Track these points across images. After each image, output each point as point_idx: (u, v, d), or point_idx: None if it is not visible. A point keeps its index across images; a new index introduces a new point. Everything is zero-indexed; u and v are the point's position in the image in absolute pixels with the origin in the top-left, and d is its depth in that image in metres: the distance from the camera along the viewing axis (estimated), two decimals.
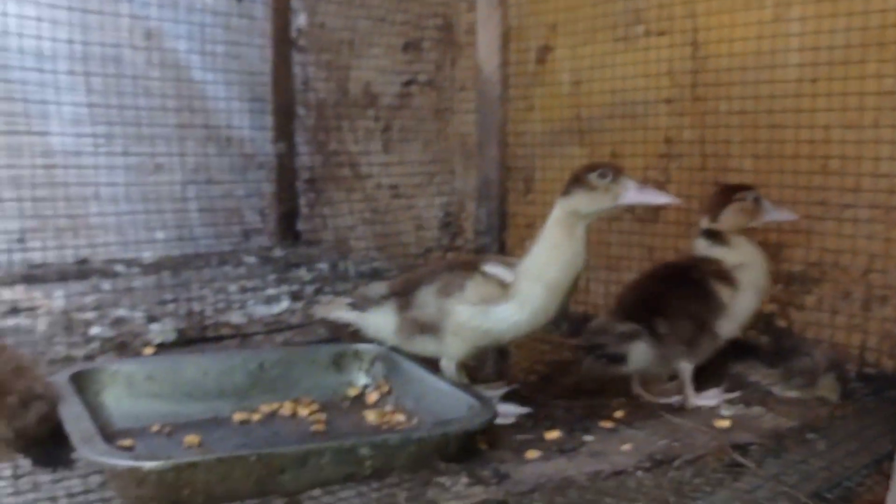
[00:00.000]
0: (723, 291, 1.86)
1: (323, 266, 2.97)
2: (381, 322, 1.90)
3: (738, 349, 2.03)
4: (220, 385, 1.76)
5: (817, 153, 2.02)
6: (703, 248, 1.92)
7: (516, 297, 1.76)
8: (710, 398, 1.85)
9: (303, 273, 2.88)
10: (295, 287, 2.72)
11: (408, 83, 2.98)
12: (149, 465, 1.22)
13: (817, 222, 2.05)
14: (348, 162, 3.16)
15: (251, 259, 2.97)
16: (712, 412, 1.79)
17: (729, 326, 1.87)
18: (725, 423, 1.70)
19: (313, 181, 3.18)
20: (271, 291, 2.67)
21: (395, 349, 1.89)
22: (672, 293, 1.85)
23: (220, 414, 1.73)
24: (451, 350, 1.83)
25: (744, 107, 2.15)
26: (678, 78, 2.30)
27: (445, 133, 2.94)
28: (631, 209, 2.42)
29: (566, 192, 1.72)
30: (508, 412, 1.79)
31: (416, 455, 1.46)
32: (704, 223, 1.92)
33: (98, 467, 1.35)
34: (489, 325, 1.78)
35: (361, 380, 1.91)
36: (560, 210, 1.73)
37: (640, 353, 1.79)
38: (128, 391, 1.68)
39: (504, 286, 1.78)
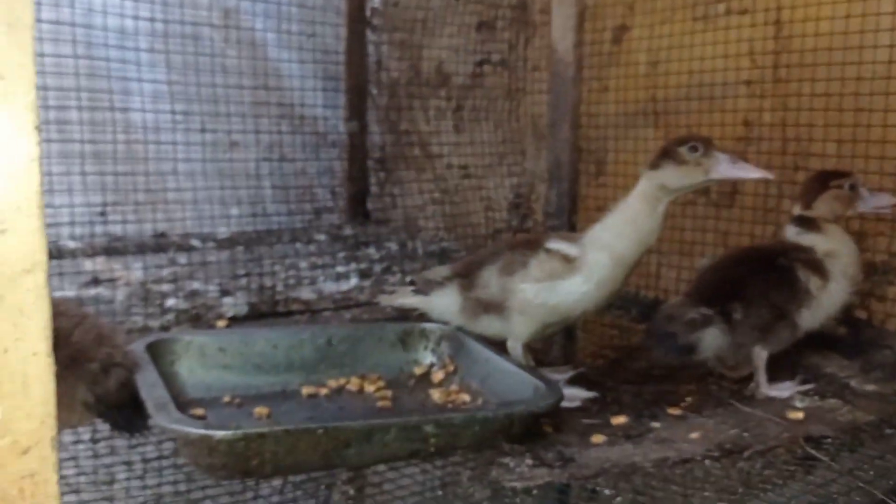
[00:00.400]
0: (811, 280, 1.80)
1: (392, 245, 2.99)
2: (444, 304, 1.91)
3: (815, 339, 1.96)
4: (288, 359, 1.79)
5: None
6: (793, 234, 1.86)
7: (582, 269, 1.75)
8: (783, 389, 1.79)
9: (372, 252, 2.91)
10: (364, 265, 2.75)
11: (480, 63, 2.96)
12: (220, 434, 1.25)
13: None
14: (419, 142, 3.16)
15: (322, 237, 3.00)
16: (785, 403, 1.74)
17: (813, 317, 1.81)
18: (799, 415, 1.65)
19: (384, 160, 3.20)
20: (341, 269, 2.70)
21: (461, 329, 1.89)
22: (752, 278, 1.79)
23: (289, 387, 1.76)
24: (518, 330, 1.83)
25: (828, 89, 2.07)
26: (759, 59, 2.22)
27: (517, 114, 2.91)
28: (707, 191, 2.37)
29: (654, 164, 1.69)
30: (575, 396, 1.78)
31: (480, 434, 1.46)
32: (797, 210, 1.86)
33: (171, 434, 1.39)
34: (556, 300, 1.77)
35: (427, 358, 1.91)
36: (647, 183, 1.70)
37: (711, 340, 1.74)
38: (200, 362, 1.72)
39: (569, 260, 1.77)
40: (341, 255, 2.86)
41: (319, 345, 1.83)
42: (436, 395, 1.77)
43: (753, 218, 2.27)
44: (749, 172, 1.67)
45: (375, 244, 3.00)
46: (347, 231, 3.16)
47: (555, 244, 1.79)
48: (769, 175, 1.69)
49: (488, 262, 1.87)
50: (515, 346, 1.84)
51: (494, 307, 1.83)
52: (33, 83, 0.47)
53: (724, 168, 1.64)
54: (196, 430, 1.28)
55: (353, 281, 2.50)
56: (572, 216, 2.63)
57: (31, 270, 0.48)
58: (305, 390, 1.75)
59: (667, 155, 1.67)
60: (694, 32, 2.36)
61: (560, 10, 2.56)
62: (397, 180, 3.20)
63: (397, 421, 1.41)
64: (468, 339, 1.86)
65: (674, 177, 1.66)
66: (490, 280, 1.84)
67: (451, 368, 1.88)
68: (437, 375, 1.87)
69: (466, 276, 1.88)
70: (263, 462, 1.32)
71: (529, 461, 1.46)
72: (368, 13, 3.10)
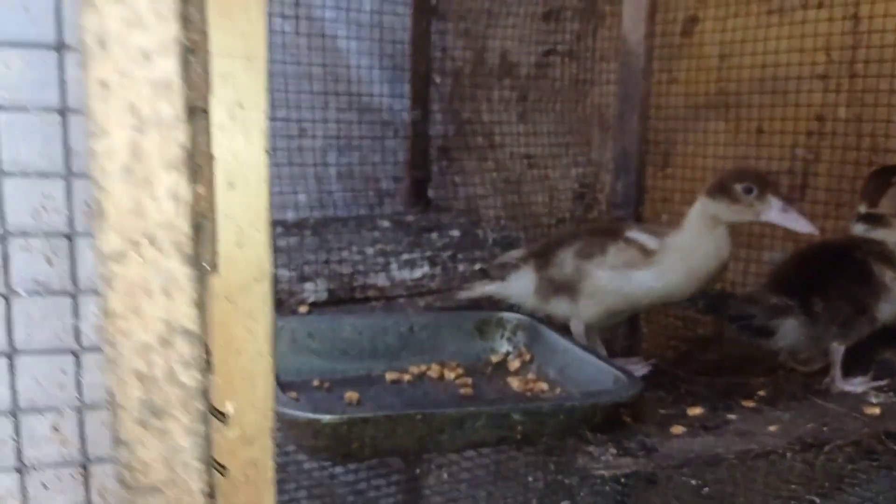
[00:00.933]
0: (886, 273, 1.82)
1: (454, 232, 3.04)
2: (520, 284, 1.98)
3: (887, 334, 1.97)
4: (373, 345, 1.86)
5: None
6: (861, 231, 1.87)
7: (657, 265, 1.80)
8: (857, 384, 1.82)
9: (435, 238, 2.96)
10: (429, 252, 2.80)
11: (547, 53, 2.99)
12: (327, 418, 1.32)
13: None
14: (482, 131, 3.20)
15: (385, 223, 3.07)
16: (860, 398, 1.76)
17: (889, 310, 1.83)
18: (875, 411, 1.67)
19: (446, 148, 3.24)
20: (407, 256, 2.76)
21: (538, 319, 1.94)
22: (831, 271, 1.82)
23: (374, 372, 1.83)
24: (584, 312, 1.89)
25: None
26: (835, 53, 2.22)
27: (583, 104, 2.94)
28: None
29: (710, 193, 1.74)
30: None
31: (564, 423, 1.52)
32: (862, 208, 1.87)
33: (280, 417, 1.46)
34: (628, 289, 1.83)
35: (503, 347, 1.97)
36: (701, 208, 1.75)
37: (790, 330, 1.78)
38: (291, 346, 1.79)
39: (647, 252, 1.82)
40: (406, 241, 2.93)
41: (402, 332, 1.89)
42: (514, 383, 1.82)
43: (825, 212, 2.28)
44: (797, 224, 1.70)
45: (438, 231, 3.05)
46: (409, 218, 3.22)
47: (635, 234, 1.84)
48: (815, 231, 1.71)
49: (566, 243, 1.93)
50: (578, 326, 1.90)
51: (567, 288, 1.90)
52: (266, 110, 0.52)
53: (775, 215, 1.69)
54: (304, 414, 1.35)
55: (425, 268, 2.56)
56: (639, 207, 2.65)
57: (259, 279, 0.54)
58: (389, 376, 1.82)
59: (722, 189, 1.72)
60: (768, 26, 2.37)
61: (631, 1, 2.57)
62: (459, 168, 3.25)
63: (489, 409, 1.47)
64: (545, 329, 1.91)
65: (726, 212, 1.72)
66: (566, 261, 1.90)
67: (527, 357, 1.93)
68: (514, 364, 1.93)
69: (542, 256, 1.95)
70: (363, 445, 1.38)
71: (613, 450, 1.50)
72: (434, 1, 3.14)
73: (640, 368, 1.92)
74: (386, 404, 1.65)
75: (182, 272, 0.43)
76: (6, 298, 0.47)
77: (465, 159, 3.24)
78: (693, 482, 1.40)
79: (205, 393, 0.45)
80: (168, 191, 0.42)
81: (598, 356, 1.76)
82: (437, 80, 3.21)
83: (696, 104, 2.60)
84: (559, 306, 1.93)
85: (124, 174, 0.40)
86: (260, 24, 0.45)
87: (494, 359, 1.95)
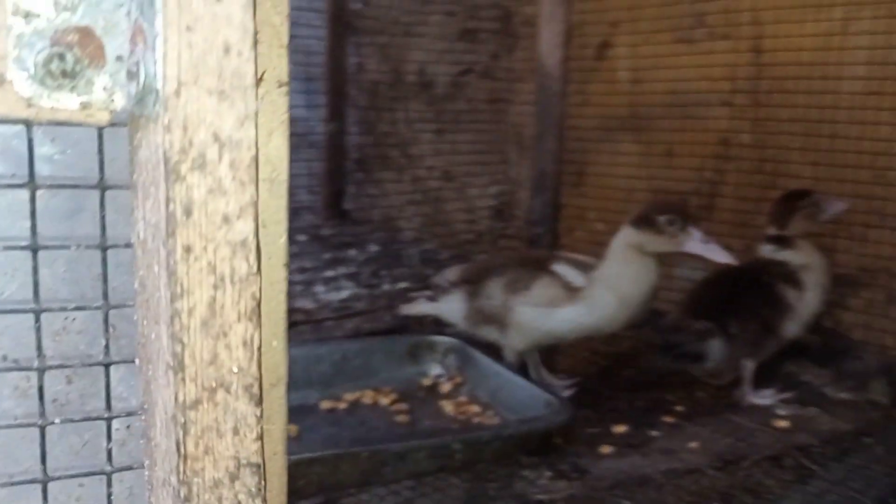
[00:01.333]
0: (789, 293, 1.96)
1: (374, 248, 3.07)
2: (452, 308, 2.02)
3: (790, 349, 2.12)
4: (307, 374, 1.87)
5: (877, 164, 2.09)
6: (769, 252, 2.01)
7: (584, 301, 1.86)
8: (766, 397, 1.95)
9: (354, 254, 2.98)
10: (351, 269, 2.82)
11: (464, 72, 3.04)
12: None
13: (872, 230, 2.13)
14: (399, 145, 3.24)
15: (301, 237, 3.07)
16: (769, 411, 1.89)
17: (794, 327, 1.97)
18: (785, 424, 1.80)
19: (363, 162, 3.26)
20: (329, 273, 2.77)
21: (469, 342, 1.99)
22: (742, 294, 1.94)
23: (308, 401, 1.84)
24: (513, 343, 1.94)
25: (806, 115, 2.21)
26: (739, 82, 2.36)
27: (500, 122, 3.01)
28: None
29: (635, 223, 1.81)
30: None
31: (501, 449, 1.58)
32: (772, 230, 2.00)
33: None
34: (552, 325, 1.89)
35: (435, 370, 2.02)
36: (625, 237, 1.82)
37: (715, 352, 1.89)
38: None
39: (571, 289, 1.88)
40: (326, 256, 2.93)
41: (335, 360, 1.91)
42: (447, 406, 1.87)
43: (730, 231, 2.41)
44: (716, 255, 1.80)
45: (356, 246, 3.07)
46: (326, 231, 3.23)
47: (561, 269, 1.90)
48: (733, 260, 1.81)
49: (495, 273, 1.97)
50: (511, 355, 1.96)
51: (495, 319, 1.94)
52: (286, 229, 0.55)
53: (695, 245, 1.78)
54: None
55: (350, 289, 2.57)
56: (555, 224, 2.74)
57: (276, 385, 0.56)
58: (324, 405, 1.83)
59: (647, 221, 1.80)
60: (677, 55, 2.49)
61: (548, 26, 2.66)
62: (376, 181, 3.27)
63: (430, 442, 1.51)
64: (475, 353, 1.96)
65: (649, 242, 1.80)
66: (495, 293, 1.94)
67: (458, 380, 1.98)
68: (445, 387, 1.97)
69: (473, 284, 1.98)
70: (310, 483, 1.41)
71: (548, 473, 1.57)
72: (350, 16, 3.15)
73: (566, 386, 2.00)
74: (325, 436, 1.67)
75: (251, 411, 0.46)
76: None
77: (382, 172, 3.26)
78: (624, 502, 1.48)
79: None
80: (241, 339, 0.44)
81: (531, 381, 1.83)
82: (353, 93, 3.23)
83: (609, 126, 2.71)
84: (490, 333, 1.97)
85: (203, 328, 0.43)
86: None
87: (426, 382, 1.99)
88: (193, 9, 0.37)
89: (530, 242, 2.82)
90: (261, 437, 0.46)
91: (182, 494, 0.44)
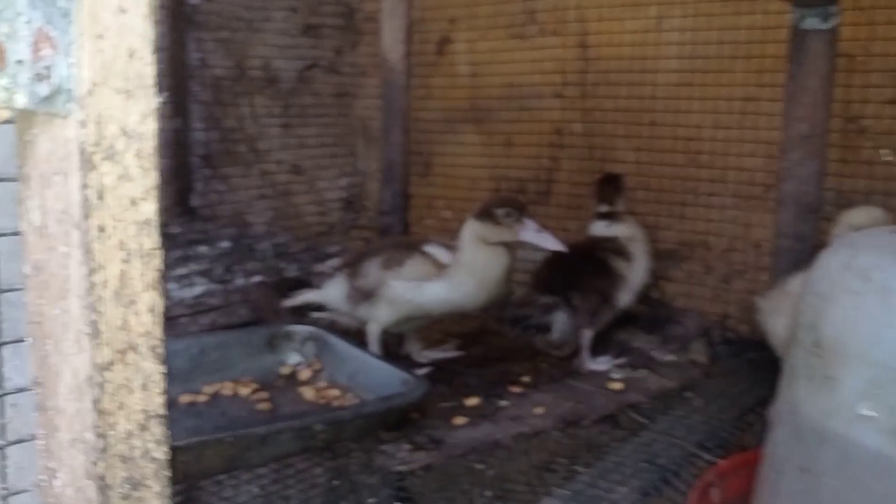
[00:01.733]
0: (621, 264, 2.16)
1: (225, 244, 3.06)
2: (334, 291, 2.12)
3: (622, 318, 2.32)
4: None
5: (690, 148, 2.32)
6: (601, 228, 2.19)
7: (449, 278, 1.99)
8: (602, 363, 2.13)
9: (205, 251, 2.96)
10: (203, 265, 2.81)
11: (309, 67, 3.08)
12: None
13: (688, 208, 2.36)
14: (246, 140, 3.23)
15: None
16: (605, 375, 2.07)
17: (627, 296, 2.17)
18: (618, 386, 1.98)
19: (209, 157, 3.24)
20: (181, 271, 2.74)
21: (327, 329, 2.06)
22: (580, 269, 2.12)
23: (167, 397, 1.84)
24: (381, 316, 2.04)
25: (629, 105, 2.42)
26: (569, 76, 2.54)
27: (347, 116, 3.07)
28: (524, 189, 2.67)
29: (478, 216, 1.96)
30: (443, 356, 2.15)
31: (361, 427, 1.66)
32: (603, 208, 2.19)
33: None
34: (420, 299, 2.01)
35: (293, 358, 2.07)
36: (470, 229, 1.97)
37: (560, 323, 2.06)
38: None
39: (440, 266, 2.01)
40: (176, 254, 2.90)
41: (193, 354, 1.93)
42: (307, 392, 1.93)
43: (567, 214, 2.59)
44: (547, 243, 1.97)
45: (206, 243, 3.05)
46: (175, 229, 3.18)
47: (431, 248, 2.03)
48: (563, 247, 1.98)
49: (372, 255, 2.10)
50: (374, 330, 2.05)
51: (371, 295, 2.05)
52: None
53: (530, 235, 1.95)
54: None
55: (203, 286, 2.57)
56: (405, 213, 2.84)
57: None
58: (184, 399, 1.85)
59: (487, 214, 1.96)
60: (512, 50, 2.64)
61: (390, 22, 2.74)
62: (224, 176, 3.25)
63: (292, 423, 1.57)
64: (333, 338, 2.03)
65: (489, 233, 1.96)
66: (370, 271, 2.06)
67: (317, 366, 2.04)
68: (305, 374, 2.03)
69: (353, 266, 2.08)
70: (174, 471, 1.43)
71: (407, 446, 1.66)
72: (189, 10, 3.12)
73: (448, 351, 2.15)
74: (188, 428, 1.69)
75: (157, 369, 0.51)
76: None
77: (229, 168, 3.25)
78: (478, 466, 1.60)
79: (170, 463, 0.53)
80: (147, 306, 0.50)
81: (388, 361, 1.91)
82: (197, 89, 3.19)
83: (452, 118, 2.83)
84: (364, 312, 2.07)
85: (115, 298, 0.48)
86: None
87: (285, 371, 2.04)
88: (103, 20, 0.42)
89: (381, 232, 2.91)
90: (165, 392, 0.52)
91: (99, 447, 0.49)
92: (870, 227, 1.60)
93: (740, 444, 1.67)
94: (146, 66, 0.46)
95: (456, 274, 2.00)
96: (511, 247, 2.01)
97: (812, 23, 1.97)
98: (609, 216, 2.18)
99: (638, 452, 1.60)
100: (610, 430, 1.74)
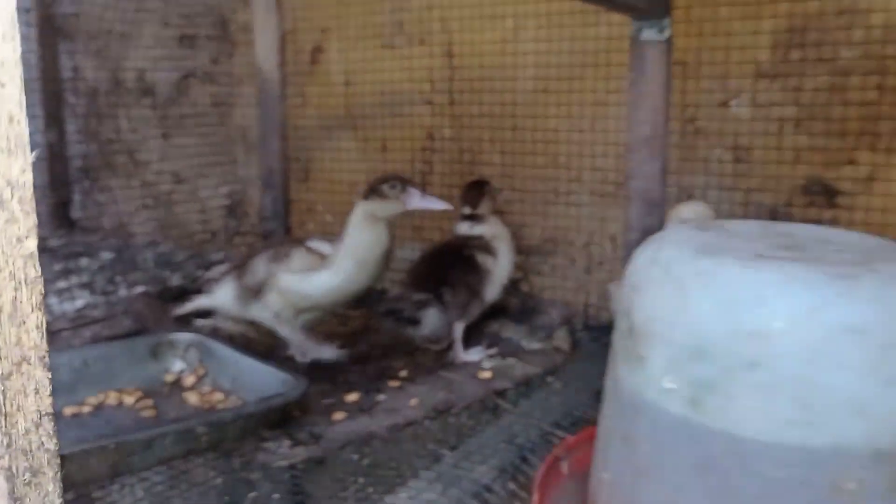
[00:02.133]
0: (487, 260, 2.32)
1: (107, 255, 3.07)
2: (224, 294, 2.23)
3: (494, 310, 2.48)
4: None
5: (549, 151, 2.50)
6: (466, 229, 2.35)
7: (331, 266, 2.11)
8: (474, 354, 2.28)
9: (87, 263, 2.97)
10: (85, 278, 2.82)
11: (185, 77, 3.12)
12: None
13: (551, 206, 2.55)
14: (125, 150, 3.25)
15: None
16: (477, 366, 2.22)
17: (493, 290, 2.33)
18: (488, 374, 2.14)
19: (88, 169, 3.23)
20: (62, 284, 2.75)
21: (209, 336, 2.14)
22: (451, 267, 2.26)
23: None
24: (275, 307, 2.15)
25: (492, 111, 2.58)
26: (437, 83, 2.68)
27: (226, 125, 3.13)
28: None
29: (365, 195, 2.08)
30: (332, 354, 2.24)
31: (244, 427, 1.75)
32: (467, 210, 2.34)
33: None
34: (307, 289, 2.13)
35: (177, 366, 2.13)
36: (360, 210, 2.09)
37: (431, 318, 2.20)
38: None
39: (323, 257, 2.13)
40: (57, 268, 2.89)
41: (76, 366, 1.97)
42: (192, 398, 2.00)
43: (441, 214, 2.74)
44: (435, 204, 2.13)
45: (88, 255, 3.06)
46: (55, 242, 3.17)
47: (314, 244, 2.17)
48: (449, 207, 2.14)
49: (260, 253, 2.21)
50: (273, 322, 2.17)
51: (260, 292, 2.14)
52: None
53: (416, 201, 2.10)
54: None
55: (85, 298, 2.59)
56: (287, 218, 2.93)
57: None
58: (68, 410, 1.89)
59: (373, 191, 2.08)
60: (382, 59, 2.76)
61: (262, 32, 2.81)
62: (104, 188, 3.26)
63: (174, 427, 1.65)
64: (216, 344, 2.11)
65: (379, 208, 2.09)
66: (259, 267, 2.16)
67: (201, 372, 2.12)
68: (189, 380, 2.10)
69: (241, 267, 2.18)
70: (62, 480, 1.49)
71: (288, 442, 1.77)
72: (60, 21, 3.10)
73: (334, 352, 2.25)
74: (73, 438, 1.74)
75: (45, 376, 0.63)
76: None
77: (109, 179, 3.25)
78: (355, 457, 1.71)
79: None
80: (34, 325, 0.61)
81: (268, 362, 2.01)
82: (72, 100, 3.18)
83: (329, 125, 2.93)
84: (256, 309, 2.16)
85: (9, 319, 0.59)
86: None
87: (170, 378, 2.10)
88: None
89: (264, 237, 2.98)
90: (52, 394, 0.63)
91: (4, 443, 0.61)
92: (695, 220, 1.80)
93: (592, 420, 1.85)
94: (23, 129, 0.59)
95: (338, 261, 2.12)
96: (392, 228, 2.13)
97: (649, 34, 2.17)
98: (472, 217, 2.34)
99: (499, 434, 1.75)
100: (477, 415, 1.89)
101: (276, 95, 2.85)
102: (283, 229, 2.94)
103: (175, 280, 2.84)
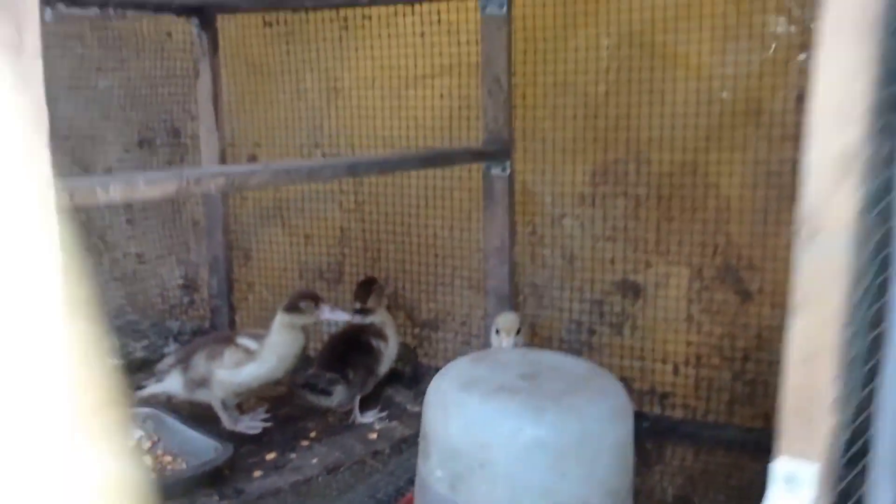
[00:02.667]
0: (380, 344, 2.95)
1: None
2: (173, 383, 2.79)
3: (391, 378, 3.13)
4: None
5: (431, 252, 3.18)
6: (359, 320, 2.99)
7: (258, 360, 2.73)
8: (369, 416, 2.91)
9: None
10: None
11: None
12: None
13: (438, 292, 3.21)
14: (96, 234, 3.88)
15: None
16: (370, 427, 2.84)
17: (384, 366, 2.96)
18: (374, 436, 2.77)
19: None
20: None
21: (163, 410, 2.78)
22: (352, 351, 2.86)
23: None
24: (218, 396, 2.76)
25: (391, 217, 3.25)
26: (345, 187, 3.34)
27: (180, 217, 3.77)
28: (322, 273, 3.45)
29: (286, 309, 2.71)
30: (255, 425, 2.81)
31: (185, 486, 2.39)
32: (357, 305, 2.99)
33: None
34: (239, 380, 2.74)
35: (137, 433, 2.77)
36: (281, 319, 2.72)
37: (340, 393, 2.81)
38: None
39: (250, 352, 2.75)
40: None
41: None
42: (147, 459, 2.65)
43: (353, 296, 3.40)
44: (339, 316, 2.79)
45: None
46: None
47: (242, 340, 2.76)
48: (350, 317, 2.83)
49: (199, 350, 2.78)
50: (217, 405, 2.77)
51: (203, 383, 2.76)
52: None
53: (327, 314, 2.73)
54: None
55: None
56: (230, 295, 3.57)
57: None
58: None
59: (293, 306, 2.70)
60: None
61: (207, 143, 3.44)
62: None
63: None
64: (167, 418, 2.75)
65: (297, 319, 2.71)
66: (199, 364, 2.76)
67: (155, 439, 2.76)
68: (146, 445, 2.74)
69: (184, 362, 2.79)
70: None
71: (216, 498, 2.39)
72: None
73: (258, 418, 2.86)
74: None
75: None
76: None
77: (84, 258, 3.89)
78: None
79: None
80: None
81: (202, 433, 2.64)
82: None
83: (263, 216, 3.59)
84: (201, 395, 2.78)
85: None
86: None
87: (131, 443, 2.74)
88: None
89: (212, 311, 3.63)
90: None
91: None
92: (506, 328, 2.45)
93: None
94: None
95: (262, 356, 2.75)
96: (306, 330, 2.78)
97: (496, 171, 2.83)
98: (363, 311, 2.98)
99: (367, 490, 2.40)
100: (357, 473, 2.54)
101: (217, 196, 3.49)
102: (227, 304, 3.59)
103: (138, 351, 3.48)
